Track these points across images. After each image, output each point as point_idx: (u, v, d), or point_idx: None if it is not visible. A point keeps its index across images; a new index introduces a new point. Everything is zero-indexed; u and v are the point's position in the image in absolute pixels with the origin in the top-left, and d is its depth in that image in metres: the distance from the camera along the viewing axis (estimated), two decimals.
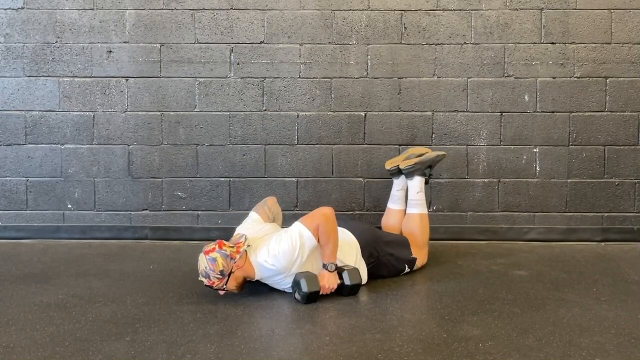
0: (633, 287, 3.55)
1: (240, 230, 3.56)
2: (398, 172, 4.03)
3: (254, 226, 3.58)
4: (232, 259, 3.25)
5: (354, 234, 3.62)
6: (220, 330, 2.95)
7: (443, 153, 4.09)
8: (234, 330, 2.95)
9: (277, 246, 3.29)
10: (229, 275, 3.25)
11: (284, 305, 3.28)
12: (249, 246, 3.33)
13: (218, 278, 3.23)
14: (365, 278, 3.55)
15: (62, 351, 2.73)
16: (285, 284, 3.38)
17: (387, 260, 3.66)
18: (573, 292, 3.46)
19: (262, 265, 3.31)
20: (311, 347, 2.78)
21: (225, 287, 3.25)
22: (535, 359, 2.66)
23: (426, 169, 3.99)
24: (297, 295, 3.30)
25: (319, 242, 3.33)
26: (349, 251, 3.53)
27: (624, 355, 2.69)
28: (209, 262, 3.22)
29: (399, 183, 4.06)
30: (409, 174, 3.98)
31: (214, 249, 3.25)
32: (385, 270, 3.67)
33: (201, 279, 3.27)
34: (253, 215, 3.70)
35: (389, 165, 4.08)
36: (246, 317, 3.11)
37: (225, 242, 3.30)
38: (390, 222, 4.02)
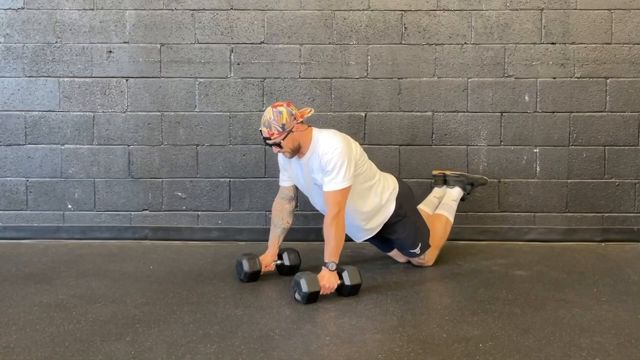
0: (633, 287, 3.56)
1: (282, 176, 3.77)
2: (442, 181, 4.22)
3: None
4: (295, 118, 3.43)
5: (399, 183, 3.78)
6: (220, 330, 2.95)
7: (486, 178, 4.32)
8: (234, 330, 2.95)
9: (340, 145, 3.43)
10: (288, 133, 3.39)
11: (284, 305, 3.28)
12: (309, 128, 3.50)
13: (278, 130, 3.39)
14: (383, 219, 3.69)
15: (62, 351, 2.73)
16: (317, 184, 3.51)
17: (410, 224, 3.74)
18: (573, 292, 3.46)
19: (319, 140, 3.45)
20: (311, 347, 2.78)
21: (282, 142, 3.40)
22: (535, 359, 2.66)
23: (468, 185, 4.21)
24: (297, 295, 3.30)
25: (340, 210, 3.41)
26: (387, 185, 3.70)
27: (624, 355, 2.69)
28: (275, 113, 3.41)
29: (438, 191, 4.22)
30: (453, 182, 4.19)
31: (282, 104, 3.47)
32: (403, 231, 3.74)
33: (261, 128, 3.44)
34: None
35: (436, 172, 4.29)
36: (246, 317, 3.11)
37: (293, 104, 3.53)
38: None
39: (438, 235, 3.92)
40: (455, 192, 4.16)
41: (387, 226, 3.72)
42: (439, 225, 3.97)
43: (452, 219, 4.07)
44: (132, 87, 4.49)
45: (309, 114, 3.49)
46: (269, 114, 3.43)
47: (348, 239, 3.75)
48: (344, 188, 3.42)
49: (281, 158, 3.69)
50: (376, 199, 3.65)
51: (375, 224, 3.72)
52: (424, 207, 4.08)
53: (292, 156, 3.53)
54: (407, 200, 3.78)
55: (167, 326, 2.99)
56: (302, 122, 3.47)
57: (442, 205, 4.11)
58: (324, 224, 3.42)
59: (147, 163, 4.52)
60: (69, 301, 3.33)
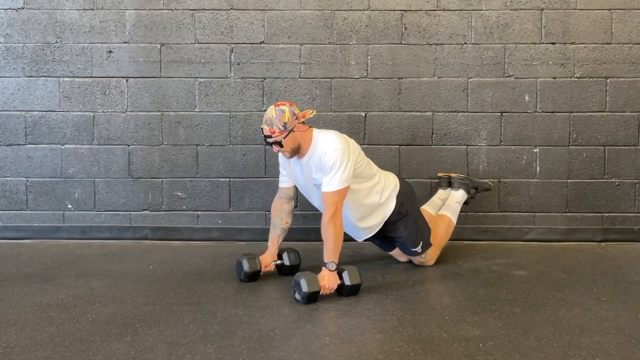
0: (633, 287, 3.56)
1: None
2: (447, 183, 4.23)
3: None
4: (297, 118, 3.44)
5: (400, 181, 3.79)
6: (220, 330, 2.95)
7: (490, 183, 4.36)
8: (234, 330, 2.95)
9: (340, 145, 3.44)
10: (289, 132, 3.40)
11: (284, 305, 3.28)
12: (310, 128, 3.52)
13: (280, 129, 3.40)
14: (383, 217, 3.69)
15: (62, 351, 2.73)
16: (316, 184, 3.52)
17: (411, 222, 3.75)
18: (573, 292, 3.46)
19: (319, 141, 3.46)
20: (311, 347, 2.78)
21: (283, 141, 3.41)
22: (535, 359, 2.66)
23: (472, 188, 4.23)
24: (297, 295, 3.30)
25: (337, 211, 3.42)
26: (387, 183, 3.71)
27: (624, 355, 2.69)
28: (277, 111, 3.43)
29: (442, 193, 4.23)
30: (458, 184, 4.20)
31: (285, 103, 3.48)
32: (405, 230, 3.74)
33: (263, 126, 3.45)
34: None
35: (441, 174, 4.30)
36: (246, 317, 3.11)
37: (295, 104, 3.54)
38: None
39: (440, 235, 3.93)
40: (459, 195, 4.18)
41: (388, 224, 3.73)
42: (442, 225, 3.98)
43: (454, 220, 4.08)
44: (132, 87, 4.49)
45: (311, 115, 3.50)
46: (271, 112, 3.44)
47: (349, 238, 3.76)
48: (341, 189, 3.43)
49: (281, 158, 3.69)
50: (376, 197, 3.66)
51: (375, 222, 3.72)
52: (427, 208, 4.09)
53: (291, 156, 3.54)
54: (409, 199, 3.79)
55: (167, 326, 2.99)
56: (303, 122, 3.48)
57: (445, 207, 4.12)
58: (322, 225, 3.42)
59: (147, 163, 4.52)
60: (69, 301, 3.33)
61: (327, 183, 3.43)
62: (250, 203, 4.51)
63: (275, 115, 3.42)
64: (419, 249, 3.79)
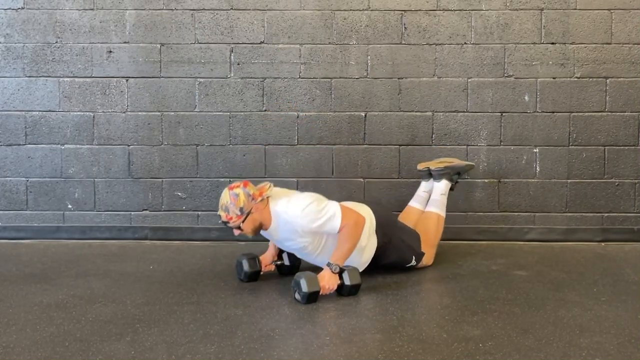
0: (633, 287, 3.56)
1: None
2: (428, 174, 4.11)
3: (280, 189, 3.62)
4: (253, 199, 3.34)
5: (372, 210, 3.66)
6: (220, 330, 2.95)
7: (472, 163, 4.22)
8: (234, 330, 2.95)
9: (305, 202, 3.33)
10: (247, 215, 3.32)
11: (284, 305, 3.28)
12: (270, 196, 3.41)
13: (236, 214, 3.32)
14: (370, 256, 3.59)
15: (62, 351, 2.73)
16: (291, 248, 3.43)
17: (398, 244, 3.68)
18: (573, 292, 3.46)
19: (279, 214, 3.35)
20: (311, 347, 2.78)
21: (241, 225, 3.33)
22: (535, 359, 2.66)
23: (454, 175, 4.10)
24: (297, 295, 3.30)
25: (357, 221, 3.37)
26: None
27: (624, 355, 2.69)
28: (232, 196, 3.33)
29: (425, 185, 4.12)
30: (438, 176, 4.06)
31: (238, 185, 3.37)
32: (394, 254, 3.68)
33: (220, 212, 3.36)
34: None
35: (421, 166, 4.16)
36: (246, 317, 3.11)
37: (250, 183, 3.41)
38: (407, 219, 4.02)
39: (431, 235, 3.89)
40: (443, 185, 4.05)
41: (377, 256, 3.65)
42: (431, 225, 3.93)
43: (443, 214, 4.01)
44: (132, 87, 4.49)
45: (268, 191, 3.40)
46: (225, 197, 3.34)
47: None
48: (341, 219, 3.33)
49: None
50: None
51: (364, 260, 3.60)
52: (414, 204, 4.06)
53: (254, 234, 3.43)
54: (388, 225, 3.68)
55: (167, 326, 2.99)
56: (262, 199, 3.37)
57: (431, 202, 4.04)
58: (344, 227, 3.34)
59: (147, 163, 4.52)
60: (69, 301, 3.33)
61: (330, 229, 3.34)
62: None
63: (230, 201, 3.32)
64: (413, 262, 3.77)
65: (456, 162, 4.16)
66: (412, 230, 3.84)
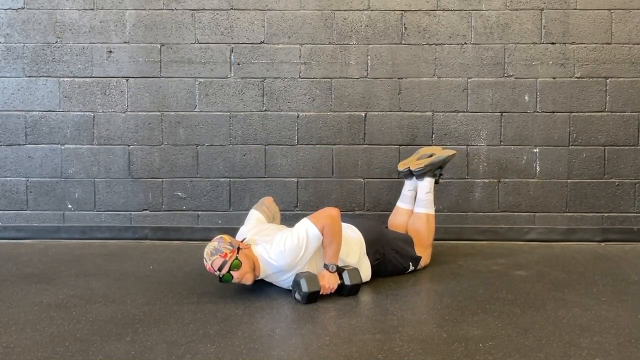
0: (633, 287, 3.56)
1: (242, 230, 3.59)
2: (409, 174, 4.04)
3: (257, 225, 3.60)
4: (233, 245, 3.28)
5: (360, 230, 3.63)
6: (220, 330, 2.95)
7: (453, 152, 4.09)
8: (234, 330, 2.95)
9: (281, 243, 3.30)
10: (239, 250, 3.26)
11: (284, 305, 3.28)
12: (249, 245, 3.36)
13: (229, 249, 3.24)
14: (368, 275, 3.57)
15: (62, 351, 2.73)
16: (289, 283, 3.39)
17: (392, 257, 3.68)
18: (573, 292, 3.46)
19: (266, 260, 3.33)
20: (311, 347, 2.78)
21: (238, 258, 3.22)
22: (535, 359, 2.66)
23: (436, 170, 4.02)
24: (297, 295, 3.30)
25: (322, 242, 3.35)
26: (354, 247, 3.54)
27: (624, 355, 2.69)
28: (217, 240, 3.29)
29: (410, 183, 4.06)
30: (420, 175, 4.00)
31: (215, 237, 3.33)
32: (390, 266, 3.68)
33: (210, 263, 3.23)
34: (254, 213, 3.72)
35: (401, 167, 4.09)
36: (246, 317, 3.11)
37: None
38: (397, 220, 4.02)
39: (424, 236, 3.88)
40: (427, 184, 3.98)
41: (374, 272, 3.63)
42: (422, 226, 3.90)
43: (432, 212, 3.97)
44: (132, 87, 4.49)
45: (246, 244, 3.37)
46: (211, 244, 3.28)
47: None
48: (315, 225, 3.30)
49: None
50: (352, 262, 3.51)
51: (363, 277, 3.55)
52: (401, 205, 4.04)
53: (253, 277, 3.34)
54: (379, 242, 3.66)
55: (167, 326, 2.99)
56: (243, 243, 3.35)
57: (418, 202, 3.99)
58: (324, 228, 3.33)
59: (147, 163, 4.52)
60: (69, 301, 3.33)
61: (315, 243, 3.31)
62: (250, 203, 4.49)
63: (217, 243, 3.27)
64: (411, 268, 3.77)
65: (435, 156, 4.04)
66: (404, 236, 3.83)
